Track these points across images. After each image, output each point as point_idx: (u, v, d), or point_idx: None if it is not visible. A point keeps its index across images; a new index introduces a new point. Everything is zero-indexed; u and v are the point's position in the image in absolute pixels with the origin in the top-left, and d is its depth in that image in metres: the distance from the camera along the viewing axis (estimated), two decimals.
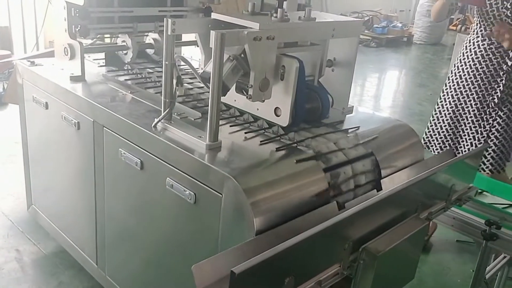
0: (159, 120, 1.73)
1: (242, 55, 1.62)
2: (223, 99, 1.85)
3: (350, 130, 1.91)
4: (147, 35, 2.65)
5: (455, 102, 2.77)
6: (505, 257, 2.43)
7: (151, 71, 2.44)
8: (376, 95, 7.12)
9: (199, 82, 1.82)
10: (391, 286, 1.68)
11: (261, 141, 1.72)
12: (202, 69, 1.77)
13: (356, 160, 1.77)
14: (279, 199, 1.49)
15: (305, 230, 1.27)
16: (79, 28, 2.18)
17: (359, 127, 1.94)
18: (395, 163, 1.91)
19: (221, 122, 1.82)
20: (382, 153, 1.87)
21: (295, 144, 1.72)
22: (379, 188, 1.79)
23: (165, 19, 1.62)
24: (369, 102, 6.61)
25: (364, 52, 9.66)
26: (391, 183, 1.79)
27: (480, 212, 2.18)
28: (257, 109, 1.81)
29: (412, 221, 1.67)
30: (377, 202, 1.51)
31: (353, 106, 2.11)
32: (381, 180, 1.81)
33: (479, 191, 2.28)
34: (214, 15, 1.75)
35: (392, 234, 1.57)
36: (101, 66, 2.51)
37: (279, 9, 1.69)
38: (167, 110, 1.73)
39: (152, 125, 1.74)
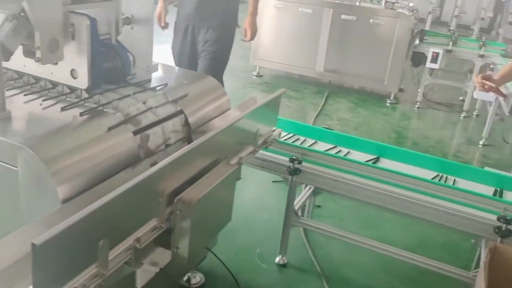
0: None
1: (23, 14, 1.47)
2: (8, 64, 1.68)
3: (158, 88, 1.90)
4: None
5: None
6: (310, 188, 2.75)
7: None
8: None
9: None
10: (210, 231, 1.78)
11: (62, 108, 1.61)
12: None
13: (166, 119, 1.78)
14: (87, 165, 1.43)
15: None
16: None
17: (167, 83, 1.95)
18: (203, 115, 1.98)
19: (13, 91, 1.66)
20: (190, 107, 1.92)
21: (102, 107, 1.65)
22: (190, 141, 1.85)
23: None
24: None
25: None
26: (201, 135, 1.85)
27: (286, 151, 2.42)
28: (51, 73, 1.68)
29: (222, 167, 1.77)
30: (186, 153, 1.56)
31: (158, 64, 2.10)
32: (191, 133, 1.87)
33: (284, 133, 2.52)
34: None
35: (204, 181, 1.64)
36: None
37: None
38: None
39: None
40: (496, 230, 1.99)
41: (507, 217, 1.99)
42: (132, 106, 1.69)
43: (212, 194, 1.62)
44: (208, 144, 1.67)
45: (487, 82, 2.61)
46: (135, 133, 1.62)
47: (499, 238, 1.99)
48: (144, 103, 1.74)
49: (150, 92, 1.84)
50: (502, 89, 3.08)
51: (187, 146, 1.64)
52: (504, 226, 1.98)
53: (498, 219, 2.00)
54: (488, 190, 2.29)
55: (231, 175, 1.76)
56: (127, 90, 1.80)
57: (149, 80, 1.95)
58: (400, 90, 5.85)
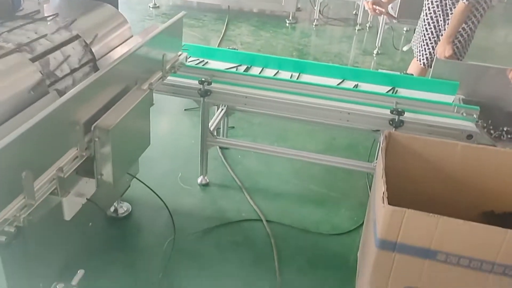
0: None
1: None
2: None
3: (49, 18, 1.82)
4: None
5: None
6: (222, 109, 2.84)
7: None
8: None
9: None
10: (131, 155, 1.82)
11: None
12: None
13: (64, 44, 1.73)
14: None
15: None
16: None
17: (57, 13, 1.87)
18: (106, 44, 1.94)
19: None
20: (91, 35, 1.87)
21: None
22: (96, 69, 1.83)
23: None
24: None
25: None
26: (107, 63, 1.83)
27: (195, 75, 2.45)
28: None
29: (134, 92, 1.78)
30: (95, 81, 1.55)
31: None
32: (97, 62, 1.84)
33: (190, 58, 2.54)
34: None
35: (118, 107, 1.65)
36: None
37: None
38: None
39: None
40: (390, 122, 2.24)
41: (399, 110, 2.24)
42: (23, 36, 1.62)
43: (128, 119, 1.65)
44: (116, 70, 1.67)
45: (377, 8, 2.90)
46: (33, 60, 1.57)
47: (394, 129, 2.24)
48: (35, 33, 1.68)
49: (41, 22, 1.76)
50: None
51: (95, 73, 1.63)
52: (396, 117, 2.22)
53: (391, 112, 2.24)
54: (384, 90, 2.52)
55: (144, 99, 1.79)
56: (16, 22, 1.71)
57: (38, 11, 1.85)
58: (298, 9, 5.98)
